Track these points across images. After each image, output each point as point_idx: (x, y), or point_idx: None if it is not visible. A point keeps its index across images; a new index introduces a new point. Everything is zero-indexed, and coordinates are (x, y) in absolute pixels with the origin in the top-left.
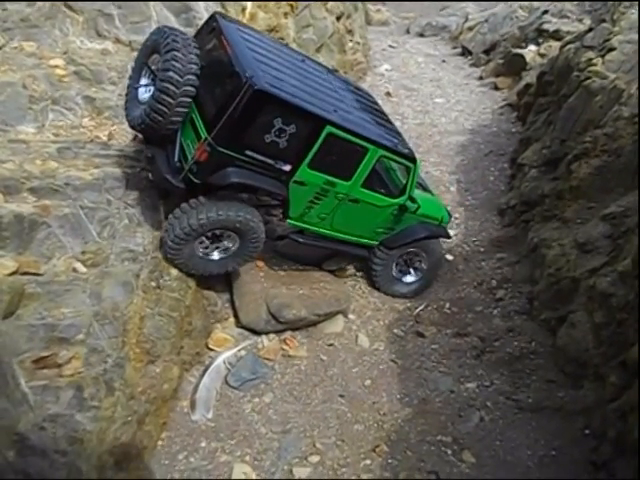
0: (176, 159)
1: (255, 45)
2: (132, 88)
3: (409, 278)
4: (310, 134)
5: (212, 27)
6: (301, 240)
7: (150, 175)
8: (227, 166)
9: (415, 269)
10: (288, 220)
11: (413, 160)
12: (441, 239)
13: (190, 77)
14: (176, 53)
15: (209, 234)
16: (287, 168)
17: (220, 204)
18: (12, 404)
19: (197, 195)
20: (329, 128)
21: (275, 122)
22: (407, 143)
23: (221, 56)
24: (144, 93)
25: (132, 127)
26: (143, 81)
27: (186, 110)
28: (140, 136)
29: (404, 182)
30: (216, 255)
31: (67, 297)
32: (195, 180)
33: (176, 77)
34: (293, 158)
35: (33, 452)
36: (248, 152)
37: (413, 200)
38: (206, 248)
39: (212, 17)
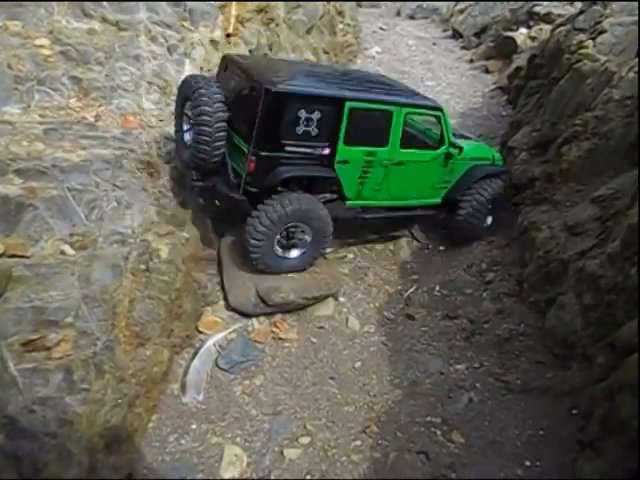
0: (232, 178)
1: (262, 61)
2: (178, 135)
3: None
4: (334, 115)
5: (226, 64)
6: (368, 217)
7: (217, 202)
8: (274, 167)
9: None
10: (347, 202)
11: (439, 109)
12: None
13: (219, 114)
14: (204, 98)
15: (284, 233)
16: (327, 151)
17: (292, 198)
18: (1, 387)
19: (257, 203)
20: (349, 104)
21: (300, 114)
22: (428, 97)
23: (240, 81)
24: (187, 136)
25: (186, 168)
26: (185, 127)
27: (223, 141)
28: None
29: (440, 133)
30: (294, 253)
31: (55, 280)
32: (253, 189)
33: (208, 118)
34: (328, 141)
35: (23, 435)
36: (287, 148)
37: (454, 146)
38: (283, 248)
39: (224, 58)
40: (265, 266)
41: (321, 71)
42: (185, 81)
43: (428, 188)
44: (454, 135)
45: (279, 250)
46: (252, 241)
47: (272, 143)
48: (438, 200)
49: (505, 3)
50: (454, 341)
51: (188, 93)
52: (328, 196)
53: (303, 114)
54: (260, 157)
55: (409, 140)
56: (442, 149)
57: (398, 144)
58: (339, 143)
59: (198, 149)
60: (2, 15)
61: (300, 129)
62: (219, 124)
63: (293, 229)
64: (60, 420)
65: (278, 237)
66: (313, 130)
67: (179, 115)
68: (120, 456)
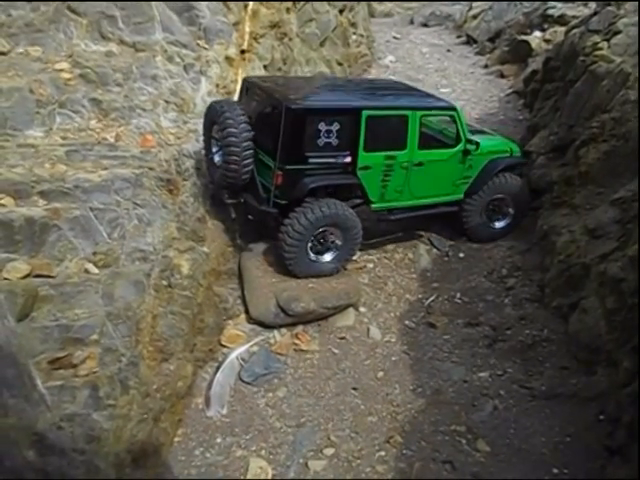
0: (262, 193)
1: (280, 80)
2: (208, 157)
3: (499, 224)
4: (352, 124)
5: (247, 87)
6: (393, 218)
7: (250, 216)
8: (300, 178)
9: (504, 215)
10: (372, 206)
11: (453, 108)
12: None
13: (245, 135)
14: (229, 121)
15: (317, 236)
16: (348, 159)
17: (324, 202)
18: (30, 404)
19: (286, 215)
20: (366, 112)
21: (320, 127)
22: (442, 99)
23: (262, 101)
24: (217, 157)
25: (219, 187)
26: (214, 149)
27: (251, 160)
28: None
29: (454, 131)
30: (326, 257)
31: (80, 298)
32: (282, 201)
33: (234, 140)
34: (348, 149)
35: (52, 451)
36: (311, 160)
37: (471, 142)
38: (316, 253)
39: (244, 80)
40: (298, 269)
41: (336, 83)
42: (210, 107)
43: (449, 185)
44: (470, 131)
45: (312, 255)
46: (288, 240)
47: (296, 157)
48: (460, 196)
49: (519, 6)
50: (477, 348)
51: (214, 118)
52: (357, 201)
53: (323, 127)
54: (286, 171)
55: (426, 141)
56: (459, 146)
57: (416, 146)
58: (359, 150)
59: (228, 169)
60: (23, 41)
61: (321, 141)
62: (245, 144)
63: (325, 233)
64: (88, 436)
65: (311, 242)
66: (334, 141)
67: (208, 139)
68: (147, 470)
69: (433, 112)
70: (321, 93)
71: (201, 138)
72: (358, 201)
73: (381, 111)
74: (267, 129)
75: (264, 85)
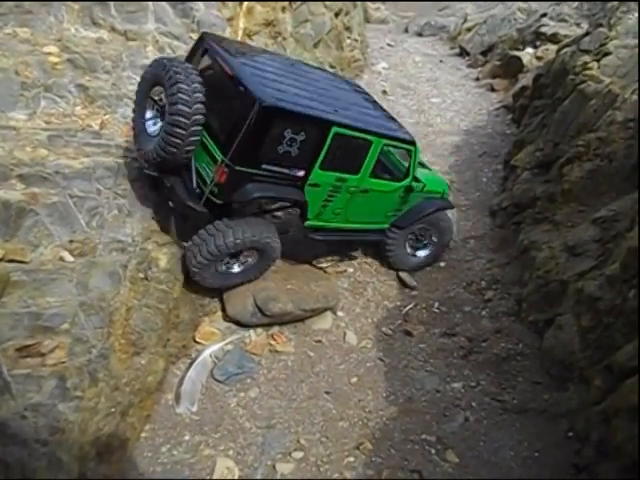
0: (194, 185)
1: (248, 59)
2: (139, 122)
3: (422, 252)
4: (319, 138)
5: (205, 49)
6: (319, 238)
7: (171, 203)
8: (246, 183)
9: (427, 244)
10: (306, 222)
11: (413, 143)
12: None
13: (198, 106)
14: (181, 85)
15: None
16: (301, 174)
17: (246, 226)
18: None
19: (218, 217)
20: (335, 129)
21: (286, 133)
22: (404, 127)
23: (222, 78)
24: (152, 126)
25: (146, 160)
26: (149, 114)
27: (198, 137)
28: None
29: (406, 165)
30: (236, 268)
31: (53, 286)
32: (217, 201)
33: (185, 109)
34: (305, 163)
35: (13, 441)
36: (264, 166)
37: (417, 180)
38: (227, 264)
39: (201, 38)
40: (204, 281)
41: (309, 80)
42: (157, 63)
43: (383, 215)
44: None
45: (222, 267)
46: (198, 258)
47: (250, 159)
48: (386, 226)
49: (513, 22)
50: (451, 359)
51: (159, 78)
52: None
53: (289, 134)
54: (233, 171)
55: (378, 169)
56: (406, 181)
57: (368, 173)
58: (315, 166)
59: (169, 142)
60: (12, 22)
61: (282, 149)
62: (197, 117)
63: (241, 252)
64: (52, 427)
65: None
66: (294, 151)
67: (142, 100)
68: (111, 465)
69: (394, 143)
70: (293, 89)
71: None
72: (291, 211)
73: (349, 130)
74: (222, 112)
75: (232, 60)
